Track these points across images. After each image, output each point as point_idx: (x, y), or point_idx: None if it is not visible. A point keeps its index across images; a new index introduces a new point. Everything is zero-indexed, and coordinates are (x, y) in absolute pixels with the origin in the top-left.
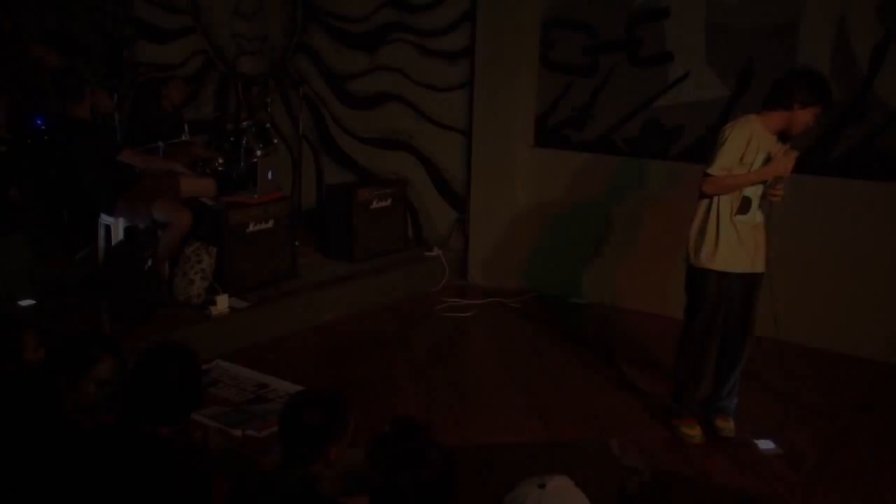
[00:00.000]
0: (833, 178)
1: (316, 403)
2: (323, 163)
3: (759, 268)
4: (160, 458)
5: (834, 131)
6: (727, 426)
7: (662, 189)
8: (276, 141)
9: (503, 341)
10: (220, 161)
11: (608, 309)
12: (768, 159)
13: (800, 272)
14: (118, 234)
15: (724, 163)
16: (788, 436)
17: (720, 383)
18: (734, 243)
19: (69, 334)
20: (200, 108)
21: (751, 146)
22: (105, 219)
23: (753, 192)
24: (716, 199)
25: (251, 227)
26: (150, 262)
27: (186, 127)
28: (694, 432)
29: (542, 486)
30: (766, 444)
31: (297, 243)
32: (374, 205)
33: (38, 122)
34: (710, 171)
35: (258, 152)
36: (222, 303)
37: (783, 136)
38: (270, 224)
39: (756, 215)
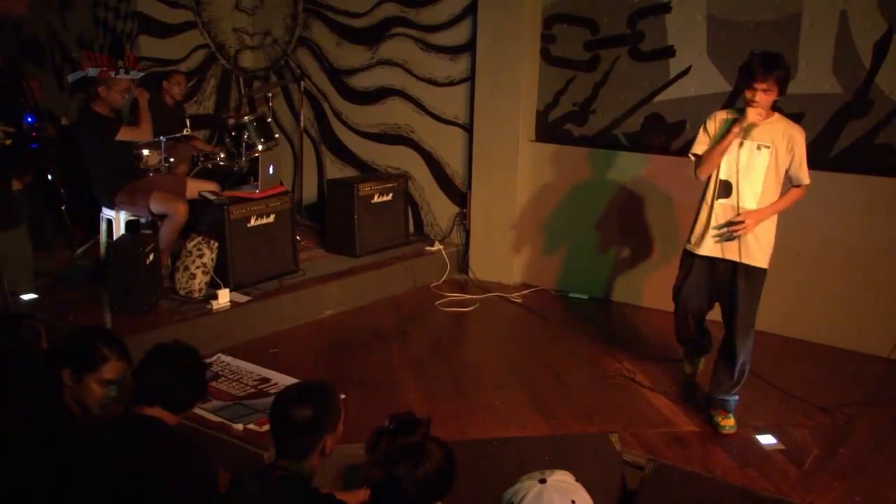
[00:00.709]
0: (836, 172)
1: (306, 398)
2: (324, 157)
3: (735, 257)
4: (167, 445)
5: (837, 126)
6: (727, 423)
7: (664, 184)
8: (277, 136)
9: (504, 336)
10: (222, 156)
11: (609, 303)
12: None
13: (802, 267)
14: (120, 229)
15: (700, 139)
16: (789, 431)
17: (717, 375)
18: (710, 227)
19: (79, 328)
20: (202, 103)
21: (724, 124)
22: (107, 213)
23: (732, 176)
24: (708, 185)
25: (252, 222)
26: (151, 257)
27: (188, 122)
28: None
29: (542, 481)
30: (767, 439)
31: (298, 238)
32: (375, 199)
33: (29, 119)
34: (690, 153)
35: (259, 147)
36: (223, 297)
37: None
38: (272, 219)
39: (744, 200)
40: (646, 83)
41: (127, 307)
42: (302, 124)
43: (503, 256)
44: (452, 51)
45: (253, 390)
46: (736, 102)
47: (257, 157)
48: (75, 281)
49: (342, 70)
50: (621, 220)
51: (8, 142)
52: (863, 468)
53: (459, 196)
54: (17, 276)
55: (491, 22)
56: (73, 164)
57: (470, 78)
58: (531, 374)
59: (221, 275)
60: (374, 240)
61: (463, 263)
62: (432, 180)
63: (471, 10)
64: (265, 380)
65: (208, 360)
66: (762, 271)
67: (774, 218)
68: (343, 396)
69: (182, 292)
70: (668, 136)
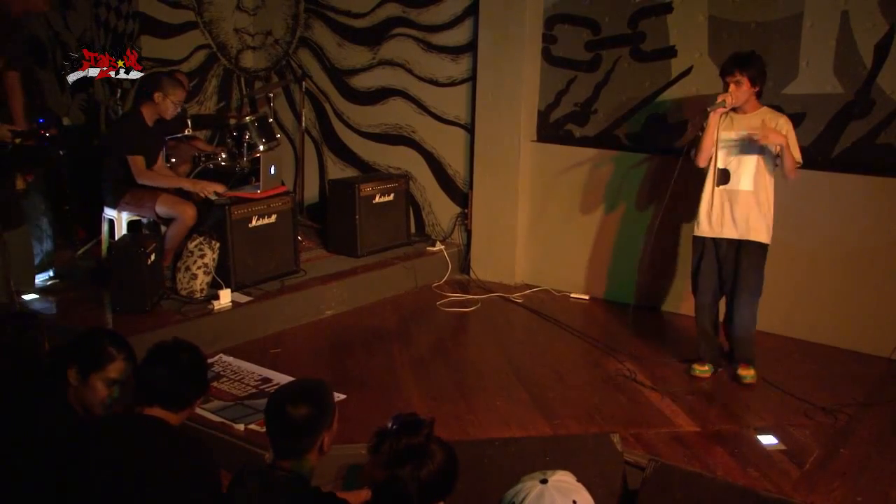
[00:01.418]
0: (837, 172)
1: (301, 398)
2: (325, 158)
3: (733, 234)
4: (167, 444)
5: (838, 126)
6: (748, 374)
7: (666, 184)
8: (278, 136)
9: (505, 336)
10: (223, 156)
11: (610, 304)
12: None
13: (803, 267)
14: (122, 229)
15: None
16: (790, 431)
17: (730, 339)
18: (708, 211)
19: (86, 328)
20: (203, 103)
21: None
22: (109, 213)
23: (729, 164)
24: (708, 174)
25: (254, 222)
26: (153, 257)
27: (189, 122)
28: (703, 369)
29: (544, 481)
30: (768, 439)
31: (299, 238)
32: (377, 199)
33: (41, 120)
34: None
35: (261, 147)
36: (225, 297)
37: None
38: (273, 219)
39: (742, 184)
40: (647, 83)
41: (128, 307)
42: (303, 124)
43: (504, 257)
44: (454, 51)
45: (254, 390)
46: None
47: (259, 157)
48: (77, 281)
49: (344, 70)
50: (622, 220)
51: (17, 140)
52: (864, 468)
53: (461, 196)
54: (20, 275)
55: (492, 22)
56: (75, 164)
57: (471, 78)
58: (532, 374)
59: (223, 275)
60: (376, 240)
61: (464, 264)
62: (434, 180)
63: (472, 11)
64: (266, 380)
65: (210, 361)
66: (764, 246)
67: (772, 197)
68: (344, 397)
69: (183, 292)
70: (669, 136)
